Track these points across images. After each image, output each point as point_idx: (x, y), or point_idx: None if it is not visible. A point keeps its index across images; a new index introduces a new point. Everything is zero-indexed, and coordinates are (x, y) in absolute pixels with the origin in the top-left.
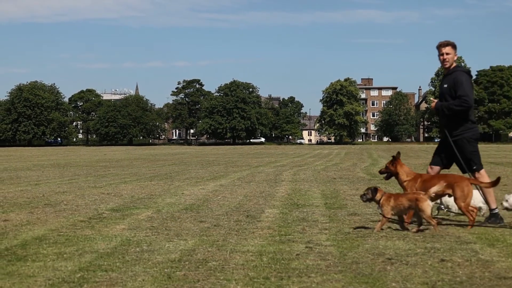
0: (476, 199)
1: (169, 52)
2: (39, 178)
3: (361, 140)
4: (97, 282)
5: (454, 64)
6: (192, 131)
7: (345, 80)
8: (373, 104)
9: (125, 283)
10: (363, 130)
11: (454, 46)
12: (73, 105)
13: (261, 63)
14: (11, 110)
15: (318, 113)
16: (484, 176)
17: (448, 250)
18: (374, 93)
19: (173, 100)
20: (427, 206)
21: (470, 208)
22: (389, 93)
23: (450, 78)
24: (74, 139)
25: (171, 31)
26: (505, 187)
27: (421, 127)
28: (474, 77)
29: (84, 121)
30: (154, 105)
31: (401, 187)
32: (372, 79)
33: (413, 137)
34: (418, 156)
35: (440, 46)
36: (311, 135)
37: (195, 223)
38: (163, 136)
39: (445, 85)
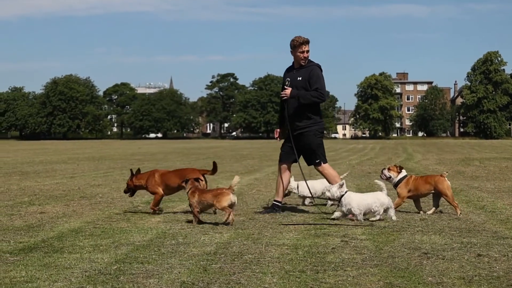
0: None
1: (203, 46)
2: (74, 171)
3: (395, 135)
4: (133, 274)
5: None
6: (226, 125)
7: (380, 74)
8: (408, 99)
9: (161, 275)
10: (398, 125)
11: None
12: (107, 99)
13: None
14: (46, 104)
15: (352, 108)
16: (326, 169)
17: (484, 245)
18: (410, 87)
19: (207, 94)
20: (226, 199)
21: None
22: (425, 87)
23: (305, 71)
24: (109, 133)
25: (206, 24)
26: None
27: (456, 122)
28: None
29: (118, 114)
30: (188, 98)
31: (152, 192)
32: (407, 73)
33: (448, 132)
34: (454, 151)
35: (303, 44)
36: (345, 130)
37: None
38: (197, 130)
39: (299, 78)
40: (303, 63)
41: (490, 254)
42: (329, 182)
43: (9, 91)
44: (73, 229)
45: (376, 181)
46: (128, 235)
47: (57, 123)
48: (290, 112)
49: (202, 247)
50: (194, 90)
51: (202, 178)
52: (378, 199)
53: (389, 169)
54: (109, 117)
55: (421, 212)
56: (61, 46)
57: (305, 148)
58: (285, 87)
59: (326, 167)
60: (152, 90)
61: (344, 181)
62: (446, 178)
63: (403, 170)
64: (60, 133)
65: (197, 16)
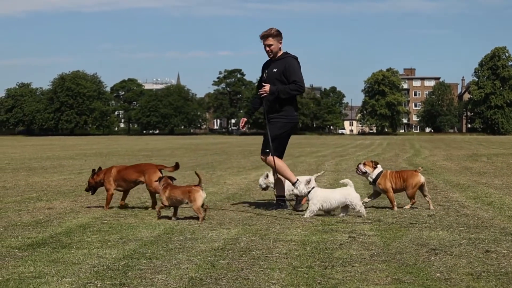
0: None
1: (211, 42)
2: (82, 167)
3: (403, 130)
4: (141, 269)
5: (282, 51)
6: (233, 121)
7: (387, 70)
8: (415, 95)
9: (169, 271)
10: (405, 121)
11: (276, 34)
12: (114, 95)
13: (303, 52)
14: (54, 100)
15: (359, 103)
16: (271, 162)
17: (492, 241)
18: (417, 83)
19: (214, 90)
20: (199, 197)
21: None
22: (432, 83)
23: (281, 63)
24: (116, 129)
25: (213, 20)
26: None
27: (464, 117)
28: None
29: (125, 110)
30: (196, 94)
31: (106, 189)
32: (414, 69)
33: (455, 128)
34: (461, 147)
35: (261, 39)
36: (352, 126)
37: (237, 212)
38: (204, 126)
39: (275, 70)
40: (270, 56)
41: (498, 250)
42: (280, 172)
43: (17, 87)
44: (81, 225)
45: (343, 181)
46: (136, 231)
47: (65, 119)
48: (267, 105)
49: (210, 242)
50: (201, 86)
51: (160, 173)
52: (347, 195)
53: (364, 164)
54: (116, 113)
55: (369, 199)
56: (68, 42)
57: (265, 136)
58: (263, 84)
59: (271, 160)
60: (159, 86)
61: (311, 177)
62: (420, 174)
63: (379, 165)
64: (68, 129)
65: (204, 11)
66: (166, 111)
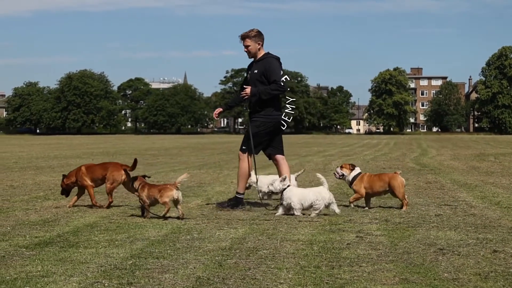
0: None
1: (217, 41)
2: None
3: (410, 130)
4: (148, 269)
5: (263, 51)
6: (240, 120)
7: (394, 69)
8: (422, 94)
9: (176, 271)
10: (412, 120)
11: (254, 36)
12: (122, 94)
13: (310, 52)
14: (61, 99)
15: (366, 103)
16: (244, 160)
17: (500, 241)
18: (424, 82)
19: (221, 89)
20: (169, 195)
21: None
22: (439, 82)
23: (261, 64)
24: (123, 128)
25: (219, 19)
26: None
27: (471, 117)
28: None
29: (132, 109)
30: (202, 94)
31: (82, 185)
32: (421, 68)
33: (463, 127)
34: (468, 146)
35: (240, 40)
36: (359, 125)
37: (244, 212)
38: (211, 125)
39: (256, 71)
40: (250, 57)
41: (506, 250)
42: (238, 174)
43: (24, 86)
44: (88, 224)
45: (318, 174)
46: (143, 230)
47: (72, 118)
48: (250, 106)
49: (217, 242)
50: (208, 85)
51: (123, 172)
52: (320, 194)
53: (342, 167)
54: (123, 112)
55: (367, 208)
56: (75, 41)
57: (245, 134)
58: (244, 86)
59: (244, 158)
60: (166, 85)
61: (286, 175)
62: (400, 176)
63: (356, 168)
64: (75, 128)
65: (211, 11)
66: (173, 110)
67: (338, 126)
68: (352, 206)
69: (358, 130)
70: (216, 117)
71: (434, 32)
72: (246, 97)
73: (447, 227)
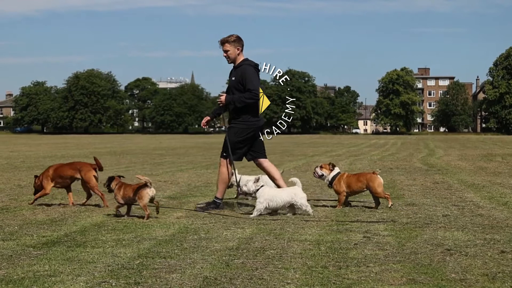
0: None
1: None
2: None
3: (417, 130)
4: (156, 269)
5: (242, 57)
6: None
7: (402, 69)
8: (429, 94)
9: (183, 270)
10: (419, 120)
11: (233, 41)
12: (129, 93)
13: (317, 52)
14: (68, 98)
15: (374, 103)
16: (224, 166)
17: (508, 241)
18: (431, 82)
19: None
20: (146, 194)
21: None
22: (446, 83)
23: (238, 71)
24: (130, 127)
25: (227, 19)
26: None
27: (478, 117)
28: None
29: (140, 109)
30: (210, 93)
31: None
32: (429, 68)
33: (470, 128)
34: (476, 147)
35: (220, 45)
36: (366, 125)
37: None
38: (218, 125)
39: (233, 78)
40: (229, 62)
41: None
42: (218, 179)
43: (32, 85)
44: (95, 224)
45: (292, 179)
46: (151, 230)
47: (79, 117)
48: (229, 112)
49: (224, 242)
50: (215, 85)
51: (95, 172)
52: (294, 194)
53: (321, 167)
54: (130, 111)
55: (342, 206)
56: (83, 41)
57: (225, 140)
58: (220, 94)
59: (224, 164)
60: (173, 85)
61: (260, 176)
62: (378, 176)
63: (336, 168)
64: (82, 127)
65: (219, 10)
66: (180, 110)
67: (345, 126)
68: (339, 207)
69: (365, 130)
70: (204, 125)
71: (441, 32)
72: (221, 104)
73: (454, 228)
